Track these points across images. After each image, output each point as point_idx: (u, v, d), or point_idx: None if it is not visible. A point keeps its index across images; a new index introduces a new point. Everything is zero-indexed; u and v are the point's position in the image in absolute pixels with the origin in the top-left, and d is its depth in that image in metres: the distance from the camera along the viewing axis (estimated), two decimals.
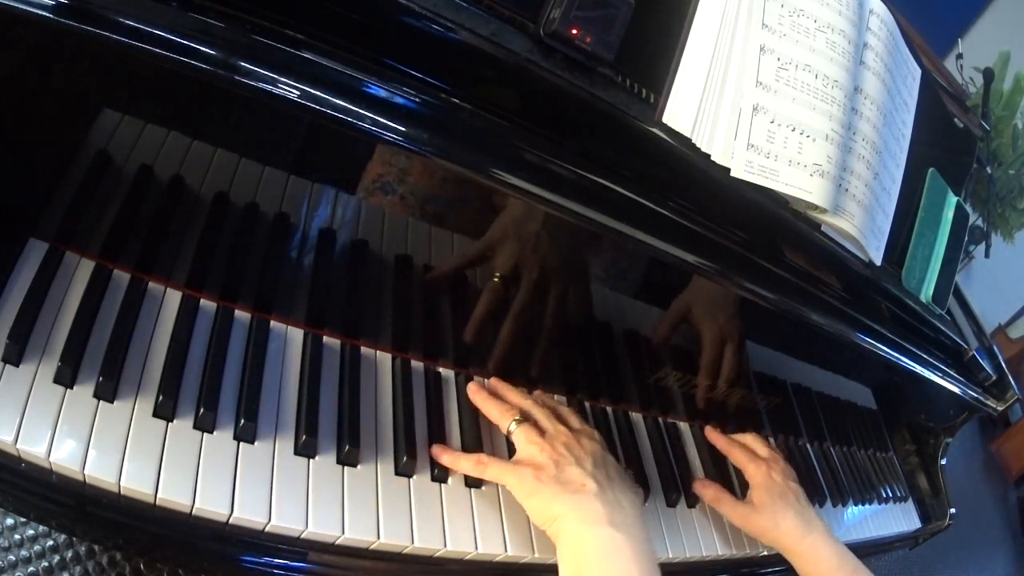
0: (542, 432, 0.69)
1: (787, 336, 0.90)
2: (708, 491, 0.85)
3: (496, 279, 0.68)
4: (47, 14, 0.43)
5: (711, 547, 0.84)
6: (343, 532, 0.59)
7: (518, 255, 0.66)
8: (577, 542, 0.62)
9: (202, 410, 0.58)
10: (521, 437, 0.68)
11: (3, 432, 0.50)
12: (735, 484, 0.91)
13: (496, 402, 0.71)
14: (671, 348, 0.84)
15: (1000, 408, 1.09)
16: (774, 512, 0.83)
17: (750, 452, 0.90)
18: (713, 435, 0.93)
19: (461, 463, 0.67)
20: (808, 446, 1.11)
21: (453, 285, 0.71)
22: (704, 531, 0.84)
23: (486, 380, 0.76)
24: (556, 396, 0.81)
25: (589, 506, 0.63)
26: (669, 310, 0.79)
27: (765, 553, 0.88)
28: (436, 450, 0.67)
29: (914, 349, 0.89)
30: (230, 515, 0.55)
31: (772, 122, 0.64)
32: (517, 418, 0.69)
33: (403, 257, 0.68)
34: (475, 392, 0.73)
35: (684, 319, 0.81)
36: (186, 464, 0.55)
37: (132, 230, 0.60)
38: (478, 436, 0.72)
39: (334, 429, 0.64)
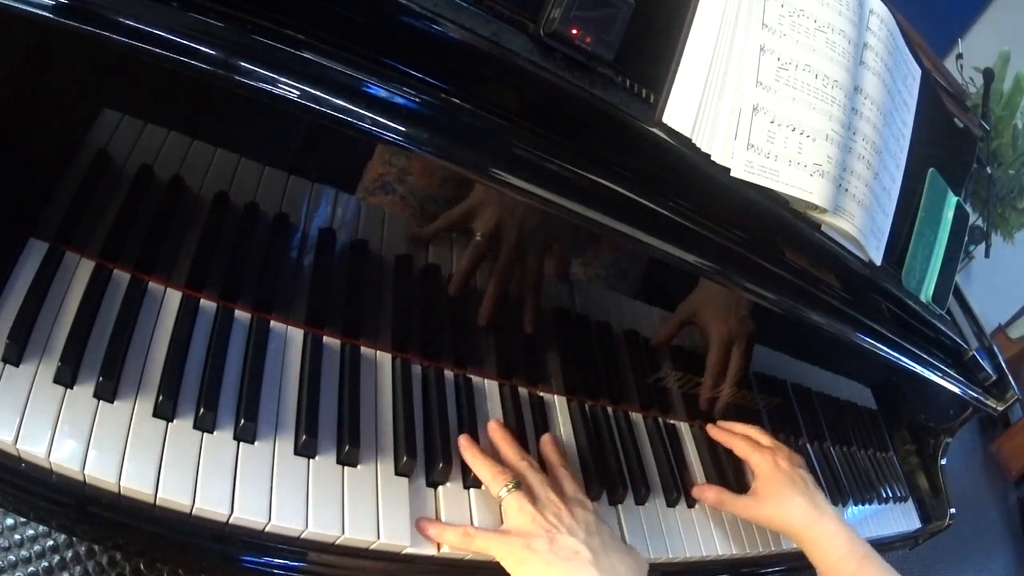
0: (534, 499, 0.66)
1: (787, 336, 0.90)
2: (709, 494, 0.85)
3: (479, 238, 0.66)
4: (47, 14, 0.43)
5: (711, 547, 0.84)
6: (343, 532, 0.59)
7: (499, 216, 0.64)
8: None
9: (202, 410, 0.58)
10: (513, 506, 0.65)
11: (3, 432, 0.50)
12: (732, 482, 0.91)
13: (489, 463, 0.68)
14: (672, 348, 0.84)
15: (1000, 408, 1.09)
16: (780, 500, 0.82)
17: (753, 442, 0.89)
18: (714, 430, 0.93)
19: (447, 535, 0.64)
20: (808, 446, 1.11)
21: (453, 285, 0.71)
22: (704, 531, 0.85)
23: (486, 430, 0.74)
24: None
25: (583, 573, 0.61)
26: (676, 312, 0.79)
27: (764, 552, 0.88)
28: (422, 524, 0.64)
29: (914, 349, 0.89)
30: (230, 515, 0.55)
31: (772, 122, 0.64)
32: (510, 485, 0.66)
33: (403, 257, 0.68)
34: (466, 448, 0.70)
35: (690, 321, 0.80)
36: (186, 464, 0.55)
37: (132, 230, 0.60)
38: (476, 437, 0.72)
39: (334, 429, 0.64)
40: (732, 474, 0.92)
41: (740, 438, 0.90)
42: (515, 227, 0.66)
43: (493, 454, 0.71)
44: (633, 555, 0.69)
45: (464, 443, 0.70)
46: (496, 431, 0.73)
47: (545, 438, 0.76)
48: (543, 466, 0.73)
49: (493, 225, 0.66)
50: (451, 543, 0.64)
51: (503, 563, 0.63)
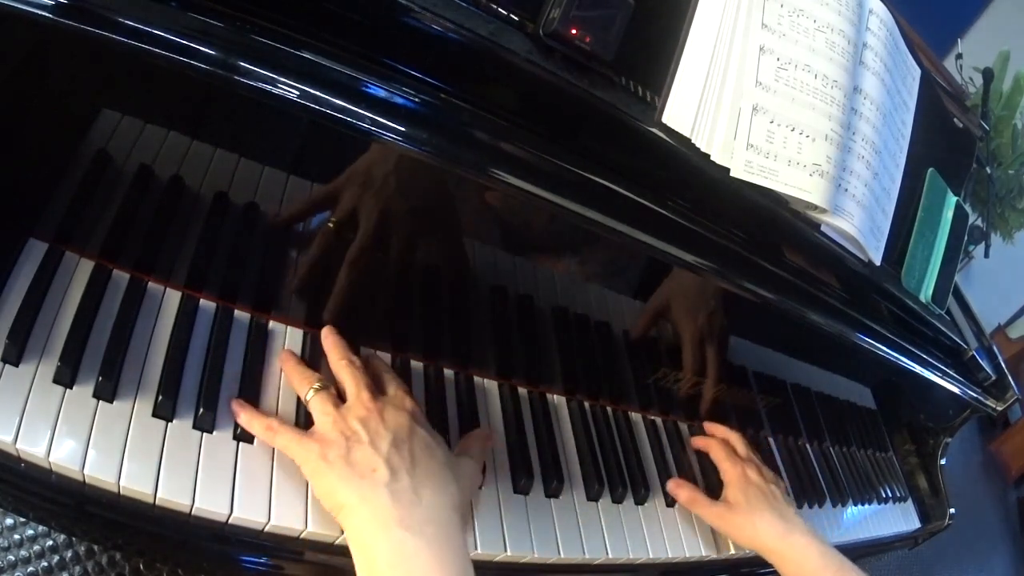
0: (342, 402, 0.59)
1: (787, 336, 0.90)
2: (682, 492, 0.84)
3: (331, 224, 0.61)
4: (47, 14, 0.43)
5: (710, 547, 0.84)
6: (342, 532, 0.59)
7: (360, 199, 0.59)
8: (367, 543, 0.53)
9: (202, 410, 0.58)
10: (317, 406, 0.58)
11: (3, 432, 0.50)
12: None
13: (299, 367, 0.62)
14: (669, 348, 0.84)
15: (1000, 408, 1.09)
16: (750, 511, 0.81)
17: (729, 449, 0.89)
18: (696, 439, 0.92)
19: (254, 424, 0.58)
20: (808, 446, 1.11)
21: (453, 287, 0.71)
22: (703, 531, 0.84)
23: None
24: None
25: (376, 499, 0.53)
26: (646, 306, 0.78)
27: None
28: (236, 405, 0.58)
29: (914, 349, 0.90)
30: (230, 515, 0.55)
31: (771, 122, 0.64)
32: (316, 385, 0.60)
33: (403, 257, 0.67)
34: (285, 356, 0.63)
35: (662, 315, 0.80)
36: (185, 464, 0.55)
37: (132, 230, 0.60)
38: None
39: None
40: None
41: (718, 443, 0.90)
42: (375, 213, 0.60)
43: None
44: (454, 468, 0.60)
45: (284, 353, 0.64)
46: (328, 336, 0.65)
47: (372, 356, 0.68)
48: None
49: (349, 210, 0.60)
50: (257, 433, 0.58)
51: (302, 470, 0.57)
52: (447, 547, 0.53)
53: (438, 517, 0.55)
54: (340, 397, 0.61)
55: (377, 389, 0.62)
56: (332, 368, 0.63)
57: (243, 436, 0.59)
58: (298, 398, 0.63)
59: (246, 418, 0.59)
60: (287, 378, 0.63)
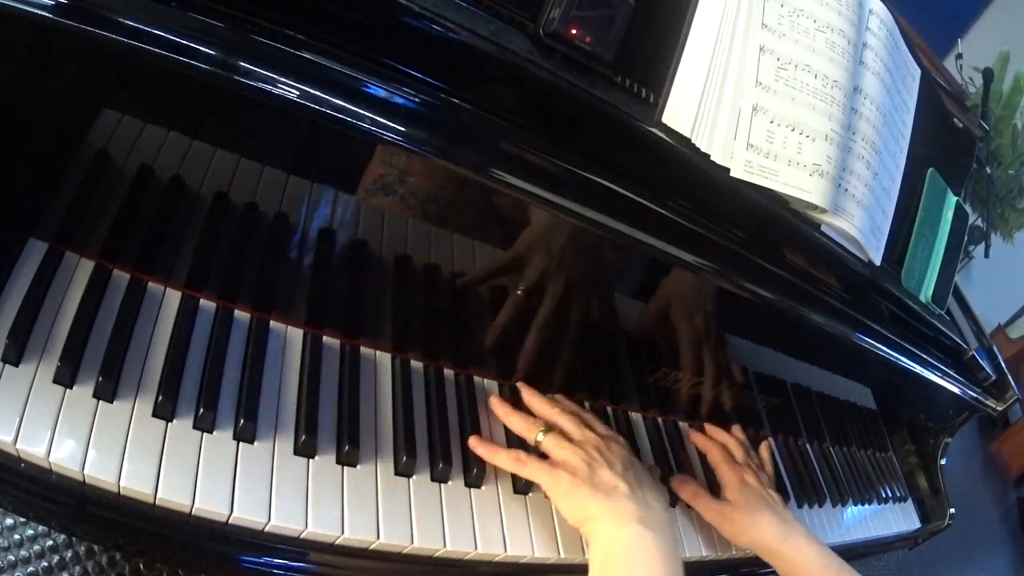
0: (571, 439, 0.71)
1: (787, 336, 0.90)
2: (686, 488, 0.84)
3: (520, 292, 0.70)
4: (47, 14, 0.43)
5: (711, 547, 0.84)
6: (343, 532, 0.59)
7: (543, 269, 0.68)
8: (608, 539, 0.64)
9: (202, 410, 0.58)
10: (552, 444, 0.70)
11: (3, 432, 0.50)
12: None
13: (520, 415, 0.74)
14: (669, 348, 0.84)
15: (1000, 408, 1.09)
16: (751, 512, 0.82)
17: (727, 454, 0.89)
18: (695, 435, 0.93)
19: (500, 457, 0.69)
20: (808, 446, 1.11)
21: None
22: (704, 531, 0.84)
23: (509, 384, 0.76)
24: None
25: (621, 506, 0.65)
26: (647, 307, 0.79)
27: None
28: (473, 441, 0.70)
29: (914, 349, 0.89)
30: (230, 515, 0.55)
31: (772, 122, 0.64)
32: (543, 429, 0.71)
33: (403, 257, 0.68)
34: (498, 406, 0.75)
35: (664, 316, 0.80)
36: (186, 464, 0.55)
37: (132, 230, 0.60)
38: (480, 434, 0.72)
39: (334, 429, 0.64)
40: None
41: (716, 446, 0.90)
42: (560, 281, 0.69)
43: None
44: (661, 489, 0.75)
45: (495, 401, 0.75)
46: (524, 389, 0.77)
47: (557, 397, 0.79)
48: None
49: (536, 279, 0.69)
50: (503, 465, 0.69)
51: (550, 493, 0.68)
52: (670, 540, 0.66)
53: (664, 521, 0.68)
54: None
55: (587, 427, 0.73)
56: (543, 413, 0.75)
57: (243, 436, 0.59)
58: (297, 401, 0.63)
59: (487, 452, 0.70)
60: (511, 426, 0.74)
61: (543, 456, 0.71)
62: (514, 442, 0.74)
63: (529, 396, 0.76)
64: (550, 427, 0.72)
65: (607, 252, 0.70)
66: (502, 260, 0.68)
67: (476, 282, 0.70)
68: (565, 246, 0.66)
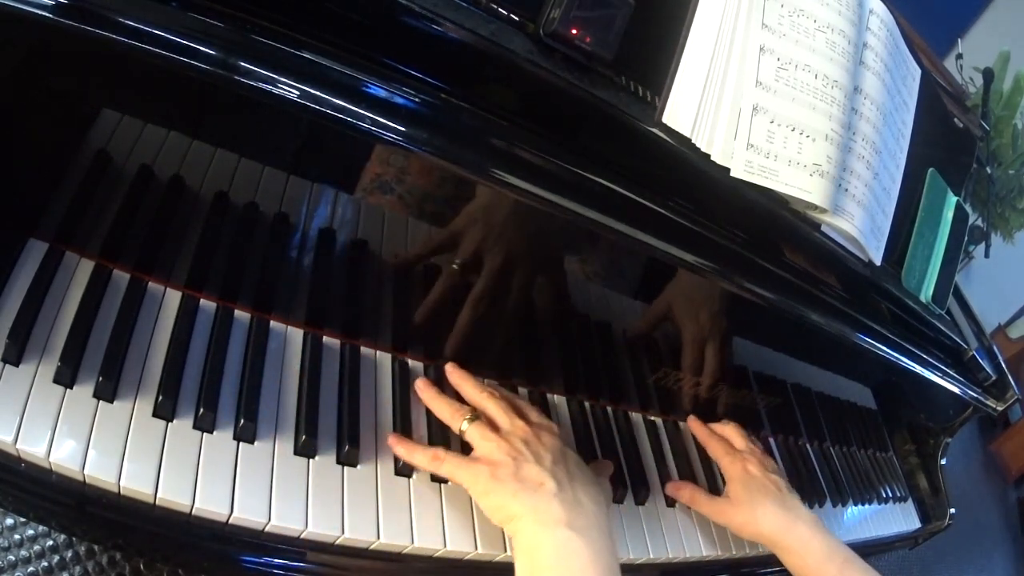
0: (497, 428, 0.66)
1: (787, 336, 0.90)
2: (683, 492, 0.83)
3: (455, 266, 0.65)
4: (47, 14, 0.43)
5: (711, 547, 0.84)
6: (343, 532, 0.59)
7: (482, 242, 0.64)
8: (533, 544, 0.59)
9: (202, 410, 0.58)
10: (475, 435, 0.65)
11: (3, 432, 0.50)
12: (720, 482, 0.90)
13: (446, 401, 0.68)
14: (670, 348, 0.84)
15: (1000, 408, 1.09)
16: (753, 505, 0.80)
17: (727, 444, 0.88)
18: (694, 425, 0.92)
19: (417, 456, 0.64)
20: (808, 446, 1.11)
21: (455, 287, 0.71)
22: (704, 531, 0.84)
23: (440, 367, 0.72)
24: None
25: (546, 506, 0.60)
26: (649, 309, 0.78)
27: (764, 553, 0.88)
28: (392, 439, 0.65)
29: (914, 349, 0.89)
30: (230, 515, 0.55)
31: (772, 122, 0.64)
32: (469, 417, 0.66)
33: (403, 257, 0.68)
34: (423, 389, 0.69)
35: (665, 317, 0.80)
36: (186, 464, 0.55)
37: (132, 230, 0.60)
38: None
39: (334, 429, 0.64)
40: (718, 473, 0.91)
41: (716, 439, 0.89)
42: (499, 255, 0.65)
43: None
44: (598, 484, 0.68)
45: (421, 384, 0.69)
46: (453, 372, 0.72)
47: (490, 383, 0.74)
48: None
49: (473, 252, 0.65)
50: (420, 464, 0.64)
51: (470, 491, 0.63)
52: (603, 548, 0.60)
53: (596, 522, 0.62)
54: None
55: (518, 415, 0.68)
56: (472, 399, 0.69)
57: (243, 436, 0.59)
58: (297, 401, 0.63)
59: (405, 451, 0.64)
60: (436, 412, 0.68)
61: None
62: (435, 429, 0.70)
63: (458, 379, 0.71)
64: (476, 415, 0.66)
65: (555, 229, 0.66)
66: (440, 235, 0.65)
67: (413, 259, 0.67)
68: (507, 219, 0.62)
